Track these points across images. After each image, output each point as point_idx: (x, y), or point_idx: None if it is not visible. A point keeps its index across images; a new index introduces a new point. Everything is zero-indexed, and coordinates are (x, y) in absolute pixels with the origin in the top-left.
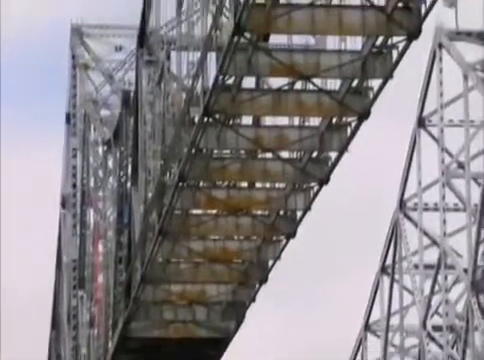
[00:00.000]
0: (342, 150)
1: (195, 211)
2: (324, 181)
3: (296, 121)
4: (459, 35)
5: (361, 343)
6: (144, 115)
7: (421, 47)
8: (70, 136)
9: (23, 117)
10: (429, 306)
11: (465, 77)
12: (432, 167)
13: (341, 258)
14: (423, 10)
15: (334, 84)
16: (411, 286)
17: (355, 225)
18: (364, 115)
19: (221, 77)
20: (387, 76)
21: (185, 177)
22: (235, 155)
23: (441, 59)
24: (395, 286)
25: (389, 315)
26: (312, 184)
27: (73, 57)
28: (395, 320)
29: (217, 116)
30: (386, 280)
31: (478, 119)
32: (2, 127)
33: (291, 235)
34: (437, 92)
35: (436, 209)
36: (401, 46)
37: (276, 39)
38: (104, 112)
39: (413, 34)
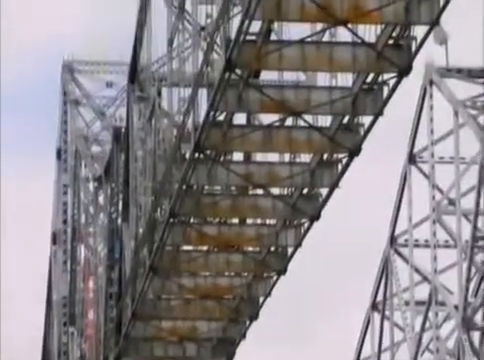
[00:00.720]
0: (333, 186)
1: (186, 247)
2: (315, 217)
3: (287, 157)
4: (450, 72)
5: None
6: (135, 151)
7: (412, 83)
8: (61, 172)
9: (14, 152)
10: (420, 343)
11: (456, 114)
12: (423, 203)
13: (332, 295)
14: (414, 47)
15: (325, 120)
16: (402, 323)
17: (346, 261)
18: (355, 152)
19: (212, 113)
20: (378, 113)
21: (176, 213)
22: (226, 191)
23: (432, 96)
24: (386, 323)
25: (380, 352)
26: (303, 220)
27: (64, 93)
28: (386, 357)
29: (208, 152)
30: (377, 317)
31: (469, 156)
32: None
33: (282, 272)
34: (428, 129)
35: (427, 245)
36: (392, 83)
37: (267, 75)
38: (95, 148)
39: (404, 71)
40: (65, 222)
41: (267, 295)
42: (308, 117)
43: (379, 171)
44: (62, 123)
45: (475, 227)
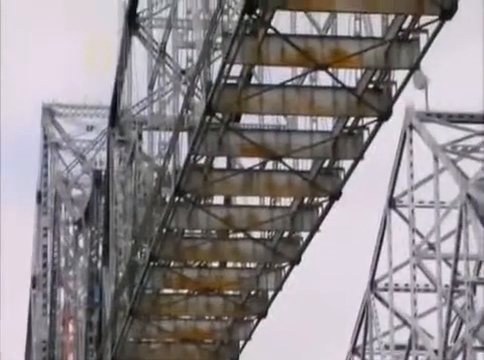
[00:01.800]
0: (313, 230)
1: (166, 291)
2: (295, 261)
3: (267, 201)
4: (429, 116)
5: None
6: (115, 195)
7: (392, 127)
8: (41, 215)
9: None
10: None
11: (435, 158)
12: (403, 248)
13: (312, 338)
14: (394, 92)
15: (305, 164)
16: None
17: (326, 305)
18: (335, 195)
19: (192, 157)
20: (358, 157)
21: (156, 257)
22: (206, 235)
23: (412, 140)
24: None
25: None
26: (283, 264)
27: (44, 136)
28: None
29: (188, 196)
30: None
31: (448, 200)
32: None
33: (262, 315)
34: (408, 173)
35: (407, 290)
36: (372, 127)
37: (248, 119)
38: (75, 192)
39: (384, 115)
40: (45, 265)
41: (247, 339)
42: (289, 161)
43: (359, 215)
44: (42, 166)
45: (455, 271)
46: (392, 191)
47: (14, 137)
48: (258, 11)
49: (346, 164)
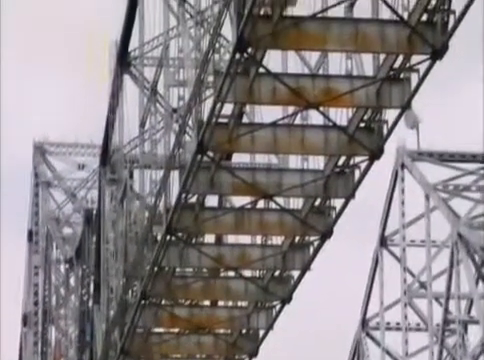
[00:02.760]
0: (305, 269)
1: (157, 329)
2: (286, 300)
3: (259, 240)
4: (421, 155)
5: None
6: (106, 233)
7: (384, 165)
8: (32, 254)
9: None
10: None
11: (427, 197)
12: (394, 286)
13: None
14: (385, 131)
15: (296, 203)
16: None
17: (317, 344)
18: (327, 234)
19: (184, 195)
20: (349, 196)
21: (147, 295)
22: (197, 273)
23: (403, 179)
24: None
25: None
26: (274, 303)
27: (36, 175)
28: None
29: (180, 234)
30: None
31: (440, 239)
32: None
33: (253, 354)
34: (399, 212)
35: (398, 329)
36: (363, 166)
37: (239, 158)
38: (66, 230)
39: (375, 154)
40: (36, 304)
41: None
42: (280, 199)
43: (351, 253)
44: (33, 205)
45: (446, 310)
46: (383, 230)
47: (5, 175)
48: (250, 50)
49: (337, 203)
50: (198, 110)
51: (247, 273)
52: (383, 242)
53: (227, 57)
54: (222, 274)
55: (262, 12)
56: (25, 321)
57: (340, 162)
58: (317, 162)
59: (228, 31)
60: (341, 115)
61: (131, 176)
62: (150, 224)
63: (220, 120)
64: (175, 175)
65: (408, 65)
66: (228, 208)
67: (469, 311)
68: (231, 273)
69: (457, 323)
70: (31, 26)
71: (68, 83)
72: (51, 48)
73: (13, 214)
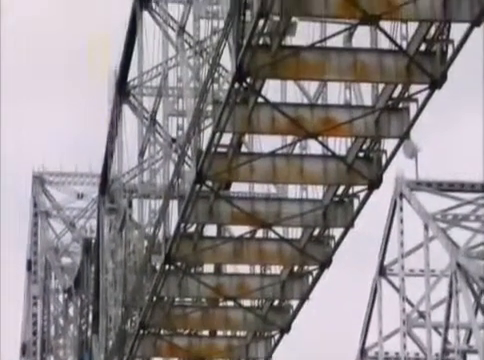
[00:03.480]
0: (303, 298)
1: (156, 359)
2: (285, 329)
3: (257, 269)
4: (419, 185)
5: None
6: (105, 263)
7: (383, 195)
8: (31, 283)
9: None
10: None
11: (425, 227)
12: (393, 316)
13: None
14: (384, 160)
15: (295, 233)
16: None
17: None
18: (325, 264)
19: (183, 225)
20: (348, 225)
21: (146, 325)
22: (196, 303)
23: (402, 209)
24: None
25: None
26: (273, 332)
27: (35, 205)
28: None
29: (178, 264)
30: None
31: (439, 269)
32: None
33: None
34: (398, 241)
35: (397, 358)
36: (362, 195)
37: (238, 187)
38: (65, 260)
39: (374, 184)
40: (35, 333)
41: None
42: (279, 229)
43: (350, 283)
44: (32, 235)
45: (445, 340)
46: (382, 259)
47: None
48: (249, 80)
49: (336, 232)
50: (197, 140)
51: (246, 303)
52: (382, 271)
53: (226, 87)
54: (221, 304)
55: (261, 42)
56: (24, 351)
57: (339, 191)
58: (316, 192)
59: (227, 61)
60: (340, 145)
61: (130, 205)
62: (149, 253)
63: (219, 150)
64: (174, 204)
65: (407, 95)
66: (227, 237)
67: (468, 341)
68: (230, 303)
69: (456, 353)
70: (30, 57)
71: (67, 112)
72: (50, 77)
73: (12, 244)
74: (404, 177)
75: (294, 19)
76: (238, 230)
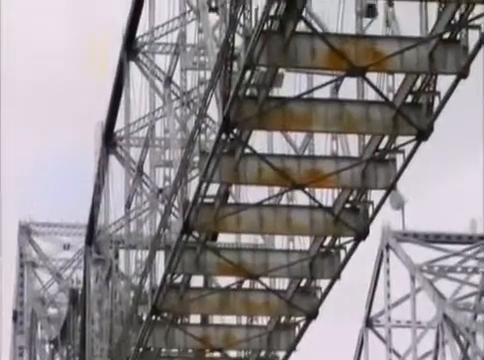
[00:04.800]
0: (290, 350)
1: None
2: None
3: (244, 320)
4: (406, 236)
5: None
6: (92, 313)
7: (370, 245)
8: (17, 334)
9: None
10: None
11: (412, 278)
12: None
13: None
14: (370, 211)
15: (282, 283)
16: None
17: None
18: (312, 315)
19: (169, 276)
20: (335, 276)
21: None
22: (183, 354)
23: (388, 260)
24: None
25: None
26: None
27: (21, 255)
28: None
29: (165, 315)
30: None
31: (425, 320)
32: None
33: None
34: (384, 293)
35: None
36: (349, 246)
37: (225, 238)
38: (51, 310)
39: (361, 235)
40: None
41: None
42: (266, 280)
43: (336, 333)
44: (18, 285)
45: None
46: (369, 310)
47: None
48: (235, 131)
49: (323, 283)
50: (184, 190)
51: (232, 354)
52: (369, 323)
53: (213, 137)
54: (207, 355)
55: (248, 93)
56: None
57: (326, 243)
58: (303, 242)
59: (214, 112)
60: (327, 196)
61: (116, 256)
62: (135, 304)
63: (206, 200)
64: (161, 255)
65: (393, 146)
66: (213, 288)
67: None
68: (216, 354)
69: None
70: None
71: (54, 163)
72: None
73: None
74: (391, 228)
75: (281, 70)
76: (225, 281)
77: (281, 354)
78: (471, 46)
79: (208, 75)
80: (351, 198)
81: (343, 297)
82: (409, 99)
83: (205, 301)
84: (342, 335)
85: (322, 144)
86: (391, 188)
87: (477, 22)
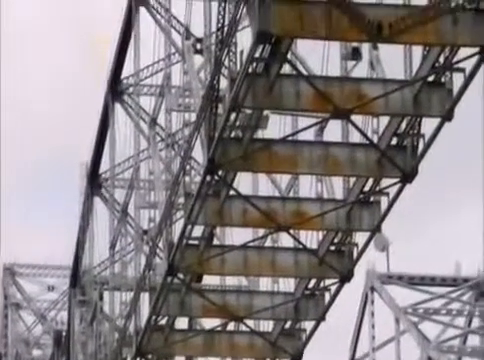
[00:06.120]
0: None
1: None
2: None
3: None
4: (391, 278)
5: None
6: (76, 355)
7: (354, 288)
8: None
9: None
10: None
11: (397, 320)
12: None
13: None
14: (355, 253)
15: (267, 325)
16: None
17: None
18: (297, 357)
19: (154, 317)
20: (319, 318)
21: None
22: None
23: (373, 302)
24: None
25: None
26: None
27: (5, 297)
28: None
29: (149, 357)
30: None
31: None
32: None
33: None
34: (369, 335)
35: None
36: (333, 288)
37: (209, 280)
38: (36, 352)
39: (345, 277)
40: None
41: None
42: (250, 322)
43: None
44: (2, 326)
45: None
46: (354, 353)
47: None
48: (220, 172)
49: (308, 325)
50: (168, 232)
51: None
52: None
53: (198, 179)
54: None
55: (233, 135)
56: None
57: (310, 285)
58: (288, 284)
59: (199, 153)
60: (311, 238)
61: (101, 298)
62: (120, 346)
63: (190, 242)
64: (145, 297)
65: (378, 188)
66: (198, 330)
67: None
68: None
69: None
70: None
71: (37, 204)
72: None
73: None
74: (375, 270)
75: (266, 112)
76: (209, 323)
77: None
78: (456, 89)
79: (193, 117)
80: (336, 240)
81: (328, 339)
82: (394, 141)
83: (190, 343)
84: None
85: (307, 186)
86: (376, 230)
87: (461, 65)
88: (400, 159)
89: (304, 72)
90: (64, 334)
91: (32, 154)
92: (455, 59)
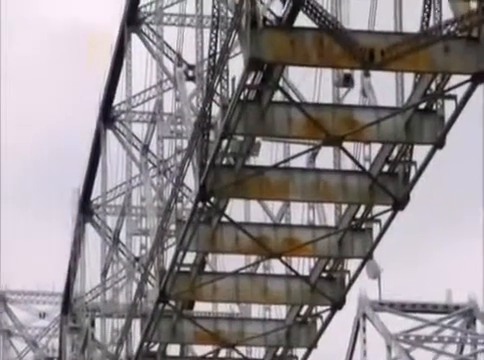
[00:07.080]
0: None
1: None
2: None
3: None
4: (382, 305)
5: None
6: None
7: (345, 315)
8: None
9: None
10: None
11: (388, 348)
12: None
13: None
14: (347, 281)
15: (259, 352)
16: None
17: None
18: None
19: (145, 344)
20: (311, 345)
21: None
22: None
23: (365, 329)
24: None
25: None
26: None
27: None
28: None
29: None
30: None
31: None
32: None
33: None
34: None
35: None
36: (325, 315)
37: (201, 306)
38: None
39: (337, 304)
40: None
41: None
42: (242, 349)
43: None
44: None
45: None
46: None
47: None
48: (212, 199)
49: (300, 352)
50: (160, 259)
51: None
52: None
53: (189, 206)
54: None
55: (225, 162)
56: None
57: (302, 312)
58: (279, 311)
59: (191, 180)
60: (303, 265)
61: (93, 325)
62: None
63: (182, 269)
64: (137, 324)
65: (370, 215)
66: (190, 357)
67: None
68: None
69: None
70: None
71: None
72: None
73: None
74: (367, 297)
75: (258, 139)
76: (201, 350)
77: None
78: (447, 116)
79: (185, 144)
80: (328, 267)
81: None
82: (385, 168)
83: None
84: None
85: (299, 213)
86: (367, 257)
87: (453, 92)
88: (392, 186)
89: (296, 99)
90: None
91: (24, 181)
92: (447, 86)
